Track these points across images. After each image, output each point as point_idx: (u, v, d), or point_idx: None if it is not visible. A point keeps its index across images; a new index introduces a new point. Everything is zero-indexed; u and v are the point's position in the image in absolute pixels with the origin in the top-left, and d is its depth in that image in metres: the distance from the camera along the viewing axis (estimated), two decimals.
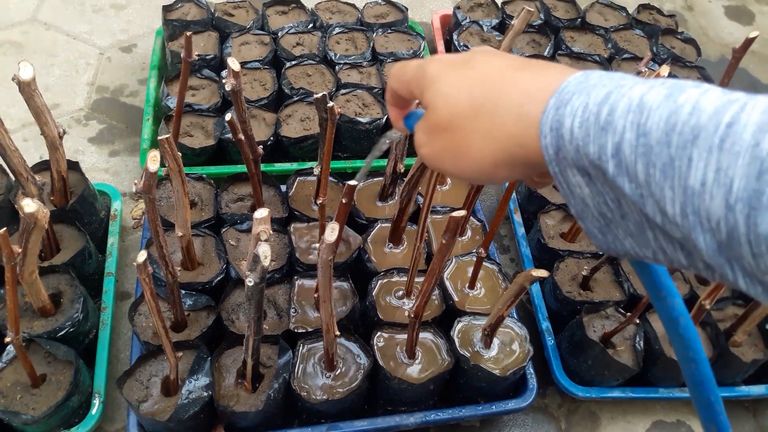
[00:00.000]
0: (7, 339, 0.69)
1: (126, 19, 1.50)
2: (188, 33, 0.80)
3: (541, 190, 1.09)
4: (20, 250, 0.62)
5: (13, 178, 0.96)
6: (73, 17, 1.48)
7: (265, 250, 0.62)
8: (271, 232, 0.76)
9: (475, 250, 0.97)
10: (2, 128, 0.73)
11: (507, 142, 0.37)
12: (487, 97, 0.38)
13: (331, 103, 0.79)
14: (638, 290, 0.96)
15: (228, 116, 0.76)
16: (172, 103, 1.12)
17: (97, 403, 0.81)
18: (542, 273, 0.71)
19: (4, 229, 0.60)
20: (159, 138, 0.70)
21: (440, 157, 0.41)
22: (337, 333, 0.76)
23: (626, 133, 0.29)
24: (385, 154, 1.03)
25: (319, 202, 0.86)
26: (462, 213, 0.65)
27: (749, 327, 0.91)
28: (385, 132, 0.59)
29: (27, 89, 0.77)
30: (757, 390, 0.95)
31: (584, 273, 0.97)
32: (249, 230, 0.96)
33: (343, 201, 0.76)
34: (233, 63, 0.76)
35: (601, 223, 0.35)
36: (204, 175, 1.00)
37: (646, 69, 1.07)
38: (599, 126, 0.30)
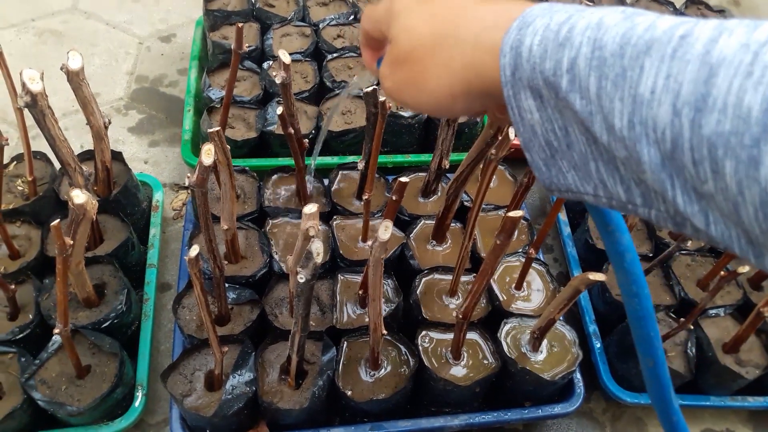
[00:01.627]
0: (56, 330, 0.68)
1: (165, 9, 1.49)
2: (239, 24, 0.79)
3: None
4: (72, 242, 0.61)
5: (57, 167, 0.96)
6: (113, 6, 1.48)
7: (318, 247, 0.61)
8: (319, 228, 0.75)
9: (521, 250, 0.95)
10: (53, 118, 0.72)
11: (463, 72, 0.37)
12: (447, 29, 0.38)
13: (382, 98, 0.77)
14: (689, 294, 0.93)
15: (279, 110, 0.75)
16: (214, 94, 1.11)
17: (140, 395, 0.81)
18: (599, 276, 0.68)
19: (57, 220, 0.59)
20: (209, 130, 0.68)
21: (401, 90, 0.42)
22: (384, 332, 0.74)
23: (582, 48, 0.30)
24: (429, 149, 1.02)
25: (365, 197, 0.85)
26: (519, 213, 0.63)
27: None
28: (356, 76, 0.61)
29: (75, 79, 0.76)
30: None
31: None
32: (291, 224, 0.95)
33: (394, 198, 0.75)
34: (284, 55, 0.75)
35: (546, 153, 0.35)
36: (247, 168, 0.99)
37: None
38: (558, 42, 0.31)
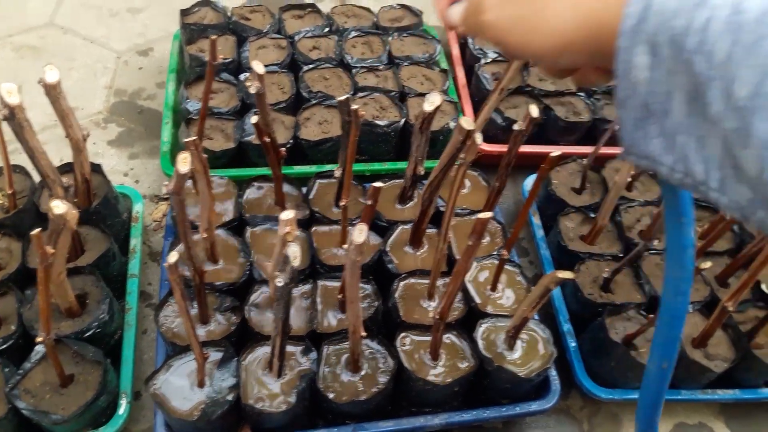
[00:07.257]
0: (39, 339, 0.69)
1: (142, 23, 1.51)
2: (212, 37, 0.81)
3: (559, 193, 1.09)
4: (53, 251, 0.63)
5: (36, 180, 0.97)
6: (91, 21, 1.49)
7: (294, 251, 0.63)
8: (297, 233, 0.76)
9: (496, 252, 0.97)
10: (31, 131, 0.73)
11: (587, 16, 0.35)
12: None
13: (354, 106, 0.79)
14: (658, 292, 0.96)
15: (254, 119, 0.77)
16: (192, 106, 1.13)
17: (124, 403, 0.82)
18: (568, 274, 0.71)
19: (38, 230, 0.61)
20: (185, 140, 0.70)
21: (507, 26, 0.38)
22: (364, 334, 0.76)
23: (721, 10, 0.29)
24: (405, 157, 1.04)
25: (342, 204, 0.87)
26: (488, 215, 0.66)
27: None
28: None
29: (53, 92, 0.78)
30: None
31: (605, 275, 0.97)
32: (270, 231, 0.96)
33: (369, 203, 0.77)
34: (258, 66, 0.77)
35: (639, 114, 0.34)
36: (226, 178, 1.01)
37: None
38: (694, 1, 0.30)
